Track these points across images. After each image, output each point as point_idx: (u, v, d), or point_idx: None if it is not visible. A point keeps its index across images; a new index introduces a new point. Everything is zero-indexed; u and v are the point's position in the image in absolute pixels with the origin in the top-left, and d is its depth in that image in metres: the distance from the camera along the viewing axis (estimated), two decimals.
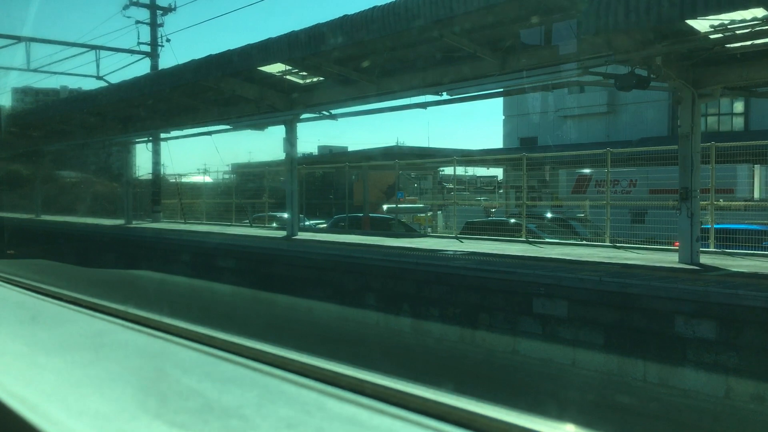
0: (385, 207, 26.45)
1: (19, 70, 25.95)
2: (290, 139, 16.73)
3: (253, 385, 1.77)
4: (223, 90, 16.59)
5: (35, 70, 26.16)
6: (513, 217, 18.44)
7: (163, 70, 19.05)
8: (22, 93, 69.81)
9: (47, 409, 1.56)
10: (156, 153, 25.42)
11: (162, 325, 2.49)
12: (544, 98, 36.15)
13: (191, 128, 21.11)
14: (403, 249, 13.91)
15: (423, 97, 13.94)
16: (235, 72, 15.40)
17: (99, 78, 26.46)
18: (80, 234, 24.06)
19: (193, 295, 15.42)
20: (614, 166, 16.09)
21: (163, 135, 23.73)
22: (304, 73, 15.46)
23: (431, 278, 10.94)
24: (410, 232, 20.76)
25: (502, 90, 13.40)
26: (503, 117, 42.41)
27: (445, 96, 13.43)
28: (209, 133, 20.34)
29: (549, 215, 18.88)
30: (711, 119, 33.34)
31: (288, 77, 15.77)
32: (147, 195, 28.45)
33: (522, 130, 39.42)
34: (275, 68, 15.09)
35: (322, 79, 15.51)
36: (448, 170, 46.66)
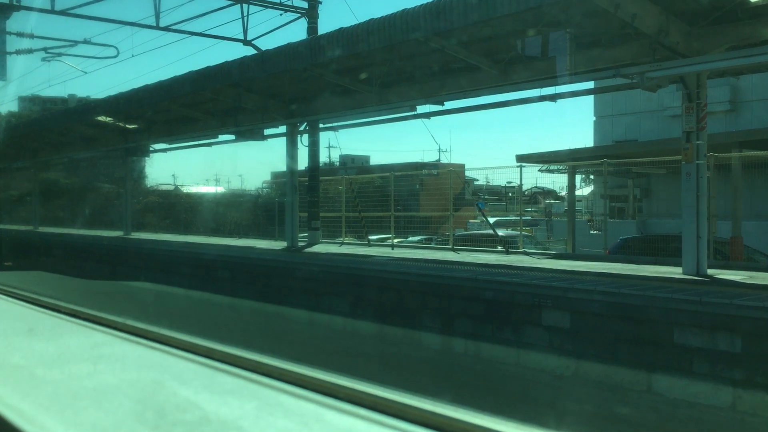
0: (492, 220, 20.48)
1: (148, 27, 20.06)
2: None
3: (251, 396, 1.77)
4: None
5: (166, 29, 20.11)
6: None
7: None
8: (29, 101, 69.92)
9: (45, 421, 1.56)
10: (315, 145, 19.07)
11: (160, 336, 2.49)
12: (648, 97, 33.89)
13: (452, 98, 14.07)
14: None
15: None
16: None
17: (247, 43, 20.11)
18: (269, 269, 15.06)
19: None
20: None
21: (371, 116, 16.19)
22: None
23: None
24: None
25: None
26: (594, 118, 40.47)
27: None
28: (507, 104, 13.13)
29: None
30: None
31: None
32: (258, 208, 23.66)
33: (618, 132, 36.50)
34: None
35: None
36: (482, 180, 45.34)
